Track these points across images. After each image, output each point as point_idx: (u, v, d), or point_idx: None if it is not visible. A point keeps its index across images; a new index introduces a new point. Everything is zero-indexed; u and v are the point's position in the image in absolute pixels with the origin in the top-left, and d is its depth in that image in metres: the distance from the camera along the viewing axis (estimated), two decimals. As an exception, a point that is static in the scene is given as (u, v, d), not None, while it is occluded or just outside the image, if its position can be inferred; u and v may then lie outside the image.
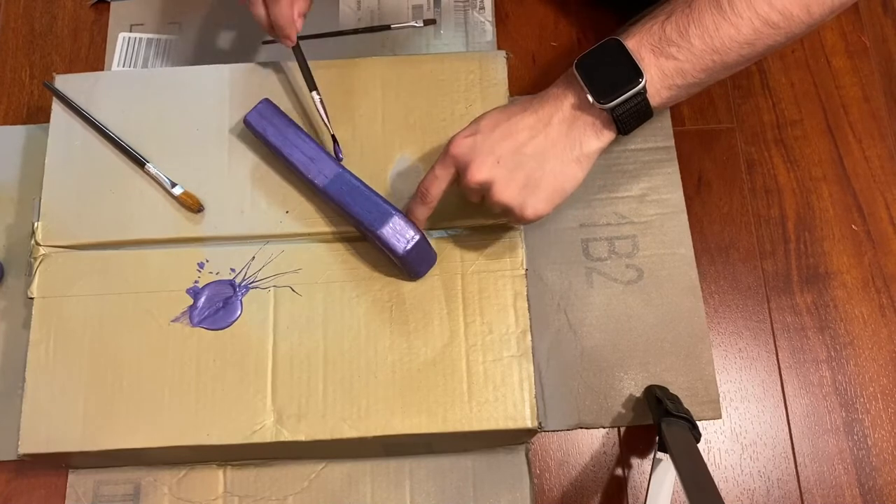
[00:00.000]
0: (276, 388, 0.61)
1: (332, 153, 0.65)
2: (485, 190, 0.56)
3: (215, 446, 0.60)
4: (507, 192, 0.55)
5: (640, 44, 0.52)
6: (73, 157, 0.67)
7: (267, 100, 0.65)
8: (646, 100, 0.53)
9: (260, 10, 0.62)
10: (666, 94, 0.53)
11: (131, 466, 0.67)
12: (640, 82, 0.52)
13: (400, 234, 0.59)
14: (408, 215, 0.61)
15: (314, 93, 0.65)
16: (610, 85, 0.52)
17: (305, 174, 0.63)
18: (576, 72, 0.53)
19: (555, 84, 0.56)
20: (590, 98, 0.53)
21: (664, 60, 0.52)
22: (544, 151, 0.54)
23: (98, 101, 0.69)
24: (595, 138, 0.54)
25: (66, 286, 0.64)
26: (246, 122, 0.64)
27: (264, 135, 0.64)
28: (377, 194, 0.61)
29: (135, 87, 0.70)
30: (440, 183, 0.58)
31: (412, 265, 0.61)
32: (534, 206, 0.55)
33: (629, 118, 0.53)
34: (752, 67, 0.81)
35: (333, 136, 0.66)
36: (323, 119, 0.65)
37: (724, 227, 0.75)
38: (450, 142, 0.57)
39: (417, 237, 0.59)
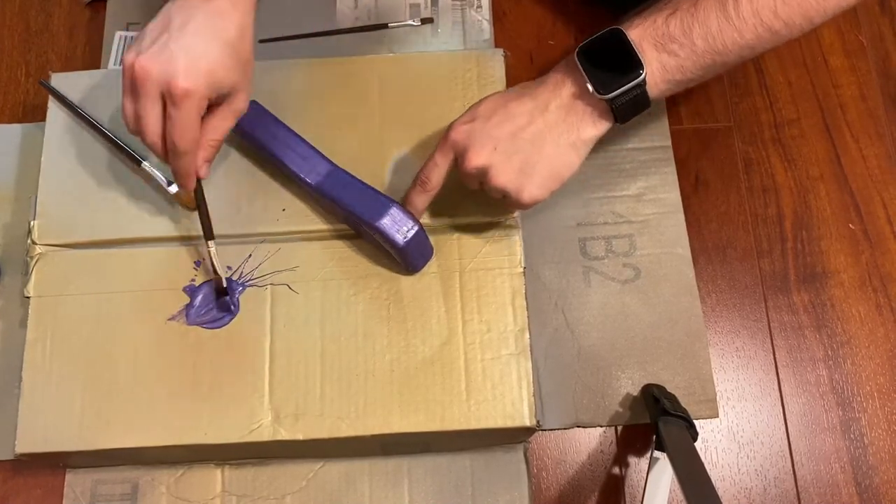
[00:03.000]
0: (273, 386, 0.61)
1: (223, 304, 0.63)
2: (482, 175, 0.56)
3: (213, 445, 0.60)
4: (504, 177, 0.55)
5: (642, 36, 0.53)
6: (70, 155, 0.67)
7: (254, 101, 0.64)
8: (644, 91, 0.53)
9: (154, 138, 0.53)
10: (664, 87, 0.54)
11: (129, 466, 0.67)
12: (641, 74, 0.52)
13: (399, 225, 0.59)
14: (406, 205, 0.60)
15: (210, 242, 0.61)
16: (610, 75, 0.53)
17: (298, 173, 0.62)
18: (577, 60, 0.54)
19: (555, 69, 0.56)
20: (589, 87, 0.53)
21: (665, 56, 0.52)
22: (542, 136, 0.55)
23: (94, 100, 0.69)
24: (592, 126, 0.55)
25: (63, 285, 0.64)
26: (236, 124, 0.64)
27: (254, 136, 0.63)
28: (372, 188, 0.61)
29: (131, 85, 0.69)
30: (440, 170, 0.58)
31: (411, 257, 0.61)
32: (530, 190, 0.56)
33: (627, 108, 0.54)
34: (749, 66, 0.81)
35: (225, 279, 0.62)
36: (214, 267, 0.61)
37: (722, 227, 0.75)
38: (449, 128, 0.57)
39: (416, 228, 0.59)
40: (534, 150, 0.55)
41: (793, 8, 0.51)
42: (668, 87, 0.54)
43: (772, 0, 0.50)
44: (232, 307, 0.63)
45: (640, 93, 0.53)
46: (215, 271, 0.61)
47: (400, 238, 0.59)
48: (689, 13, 0.52)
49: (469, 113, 0.57)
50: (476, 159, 0.55)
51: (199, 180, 0.58)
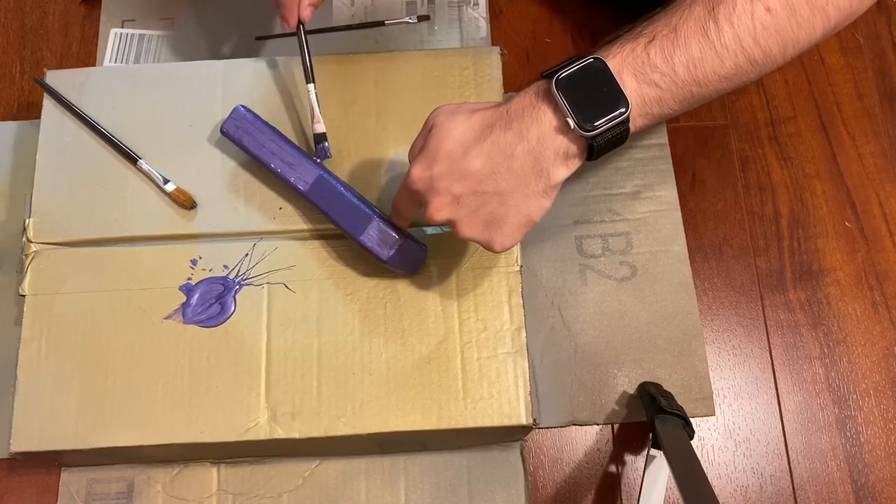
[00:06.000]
0: (270, 385, 0.61)
1: (319, 150, 0.64)
2: (449, 226, 0.54)
3: (209, 444, 0.60)
4: (469, 230, 0.53)
5: (622, 66, 0.49)
6: (65, 153, 0.67)
7: (242, 106, 0.64)
8: (627, 127, 0.49)
9: None
10: (640, 123, 0.50)
11: (125, 464, 0.67)
12: (627, 108, 0.48)
13: (382, 241, 0.59)
14: (393, 215, 0.60)
15: (311, 85, 0.64)
16: (594, 110, 0.48)
17: (287, 180, 0.62)
18: (556, 91, 0.48)
19: (521, 98, 0.51)
20: (571, 123, 0.48)
21: (646, 87, 0.49)
22: (508, 188, 0.50)
23: (89, 97, 0.68)
24: (564, 167, 0.50)
25: (58, 283, 0.64)
26: (223, 131, 0.64)
27: (241, 143, 0.63)
28: (359, 197, 0.61)
29: (127, 82, 0.69)
30: (408, 208, 0.57)
31: (399, 267, 0.61)
32: (501, 241, 0.53)
33: (606, 146, 0.50)
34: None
35: (324, 134, 0.65)
36: (315, 113, 0.64)
37: (718, 225, 0.76)
38: (408, 173, 0.53)
39: (400, 241, 0.59)
40: (499, 203, 0.51)
41: (771, 35, 0.49)
42: (643, 124, 0.51)
43: (751, 25, 0.49)
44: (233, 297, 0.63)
45: (624, 129, 0.49)
46: (314, 117, 0.64)
47: (384, 253, 0.59)
48: (670, 40, 0.48)
49: (426, 155, 0.52)
50: (438, 214, 0.52)
51: (301, 24, 0.63)
